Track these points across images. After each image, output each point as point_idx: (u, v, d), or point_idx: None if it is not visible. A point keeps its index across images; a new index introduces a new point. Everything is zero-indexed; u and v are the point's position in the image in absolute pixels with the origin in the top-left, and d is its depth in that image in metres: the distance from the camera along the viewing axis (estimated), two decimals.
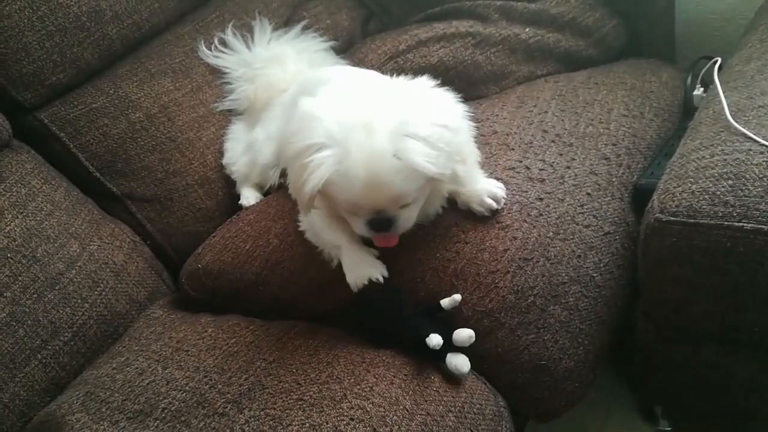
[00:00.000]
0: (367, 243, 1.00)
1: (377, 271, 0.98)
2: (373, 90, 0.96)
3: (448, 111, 0.94)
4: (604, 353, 1.05)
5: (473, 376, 0.95)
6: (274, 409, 0.87)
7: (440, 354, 0.92)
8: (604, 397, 1.25)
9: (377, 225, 0.92)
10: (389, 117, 0.88)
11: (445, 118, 0.91)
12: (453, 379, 0.93)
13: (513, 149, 1.16)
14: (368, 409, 0.85)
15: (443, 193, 1.01)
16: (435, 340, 0.90)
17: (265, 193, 1.37)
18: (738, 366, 1.05)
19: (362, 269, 0.99)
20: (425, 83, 0.98)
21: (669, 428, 1.29)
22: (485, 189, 1.02)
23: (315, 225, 1.04)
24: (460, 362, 0.91)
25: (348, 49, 1.61)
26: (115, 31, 1.34)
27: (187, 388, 0.95)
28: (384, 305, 0.96)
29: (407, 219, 0.94)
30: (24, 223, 1.16)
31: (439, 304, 0.95)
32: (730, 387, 1.08)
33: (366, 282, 0.97)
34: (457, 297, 0.95)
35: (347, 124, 0.87)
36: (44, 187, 1.23)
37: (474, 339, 0.93)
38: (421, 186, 0.91)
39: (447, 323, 0.94)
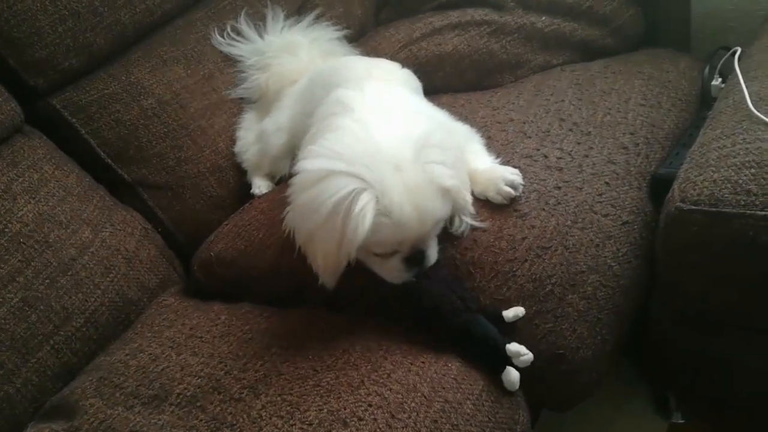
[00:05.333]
0: None
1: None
2: (379, 123, 0.94)
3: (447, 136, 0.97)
4: (621, 343, 1.05)
5: None
6: (291, 394, 0.87)
7: (501, 363, 0.90)
8: (618, 388, 1.25)
9: (413, 262, 0.93)
10: (405, 149, 0.89)
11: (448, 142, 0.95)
12: (470, 367, 0.92)
13: (530, 137, 1.15)
14: (386, 395, 0.84)
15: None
16: (515, 348, 0.89)
17: (277, 182, 1.36)
18: (754, 355, 1.04)
19: None
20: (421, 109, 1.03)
21: (682, 421, 1.28)
22: (502, 176, 1.02)
23: None
24: (515, 378, 0.89)
25: (361, 38, 1.60)
26: (127, 16, 1.33)
27: (202, 374, 0.95)
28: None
29: (434, 250, 0.96)
30: (36, 209, 1.15)
31: (501, 316, 0.94)
32: (746, 376, 1.08)
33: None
34: (521, 310, 0.94)
35: (373, 164, 0.87)
36: (56, 173, 1.22)
37: (531, 360, 0.91)
38: (449, 209, 0.94)
39: (504, 336, 0.92)
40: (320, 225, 0.88)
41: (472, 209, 0.99)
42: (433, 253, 0.95)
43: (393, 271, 0.95)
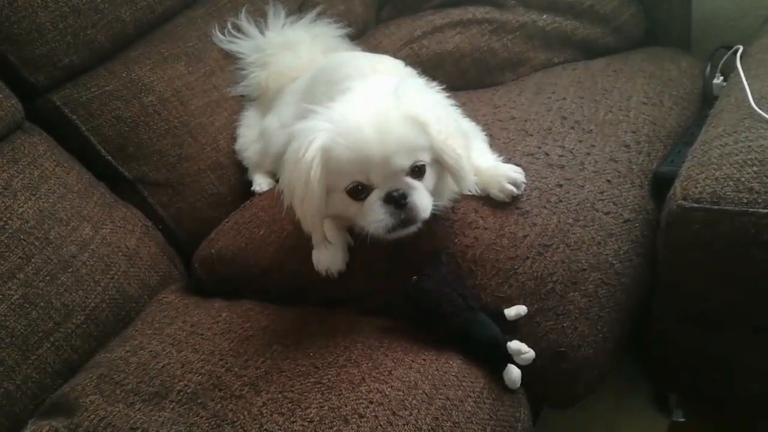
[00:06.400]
0: None
1: (335, 266, 1.01)
2: (373, 94, 0.98)
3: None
4: (623, 341, 1.04)
5: None
6: (292, 391, 0.87)
7: (502, 361, 0.90)
8: (620, 386, 1.25)
9: (394, 202, 0.89)
10: (383, 89, 0.94)
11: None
12: (471, 364, 0.92)
13: (532, 135, 1.15)
14: (387, 392, 0.84)
15: (452, 187, 0.99)
16: (516, 346, 0.90)
17: (278, 180, 1.36)
18: (755, 354, 1.04)
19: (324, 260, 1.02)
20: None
21: (683, 419, 1.28)
22: (505, 174, 1.01)
23: None
24: (517, 376, 0.90)
25: (362, 36, 1.60)
26: (128, 13, 1.33)
27: (202, 371, 0.94)
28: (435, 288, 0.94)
29: (421, 198, 0.91)
30: (37, 205, 1.15)
31: (503, 314, 0.93)
32: (747, 375, 1.08)
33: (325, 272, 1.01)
34: (523, 309, 0.94)
35: (345, 111, 0.92)
36: (57, 170, 1.22)
37: (532, 358, 0.91)
38: (428, 148, 0.91)
39: (505, 334, 0.92)
40: (293, 171, 0.92)
41: (466, 166, 0.93)
42: (420, 200, 0.90)
43: (373, 214, 0.90)
